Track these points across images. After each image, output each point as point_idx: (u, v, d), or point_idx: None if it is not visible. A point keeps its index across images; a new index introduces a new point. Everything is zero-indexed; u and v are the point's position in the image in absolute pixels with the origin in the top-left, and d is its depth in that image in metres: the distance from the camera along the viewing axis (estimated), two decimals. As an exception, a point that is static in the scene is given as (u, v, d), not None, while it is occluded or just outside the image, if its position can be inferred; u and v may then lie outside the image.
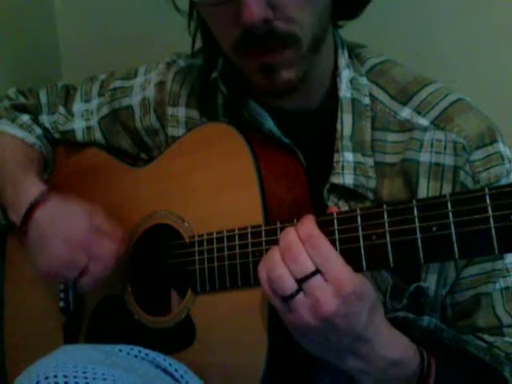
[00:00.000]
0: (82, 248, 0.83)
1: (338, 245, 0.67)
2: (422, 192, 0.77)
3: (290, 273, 0.65)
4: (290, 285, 0.64)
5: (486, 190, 0.58)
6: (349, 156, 0.80)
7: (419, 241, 0.62)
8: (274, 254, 0.66)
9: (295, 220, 0.71)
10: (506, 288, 0.78)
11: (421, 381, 0.70)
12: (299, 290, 0.64)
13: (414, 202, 0.63)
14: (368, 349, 0.67)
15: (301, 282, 0.64)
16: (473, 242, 0.59)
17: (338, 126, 0.81)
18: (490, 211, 0.58)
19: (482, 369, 0.77)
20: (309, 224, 0.66)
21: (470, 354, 0.77)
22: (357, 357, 0.67)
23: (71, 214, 0.87)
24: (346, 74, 0.82)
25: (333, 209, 0.70)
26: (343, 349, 0.66)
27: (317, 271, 0.64)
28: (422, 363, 0.70)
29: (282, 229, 0.72)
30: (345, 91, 0.82)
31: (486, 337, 0.79)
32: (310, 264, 0.64)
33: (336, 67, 0.84)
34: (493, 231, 0.58)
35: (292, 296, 0.64)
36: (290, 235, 0.67)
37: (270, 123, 0.84)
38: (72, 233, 0.84)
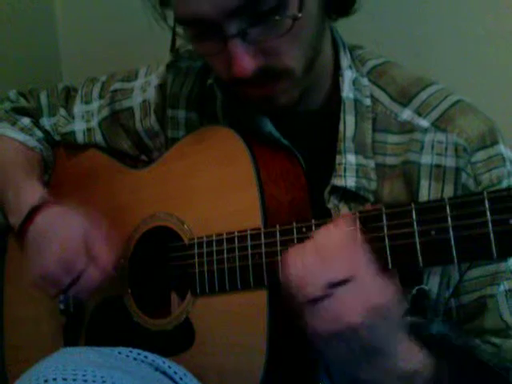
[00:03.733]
0: (78, 253, 0.83)
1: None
2: (424, 194, 0.77)
3: (320, 275, 0.63)
4: (318, 287, 0.62)
5: (485, 194, 0.58)
6: (351, 158, 0.79)
7: (418, 245, 0.62)
8: (308, 249, 0.65)
9: (294, 223, 0.71)
10: (510, 290, 0.78)
11: None
12: (327, 294, 0.62)
13: (412, 205, 0.63)
14: (387, 361, 0.65)
15: (330, 286, 0.62)
16: (471, 246, 0.59)
17: (341, 127, 0.80)
18: (488, 215, 0.58)
19: (489, 375, 0.76)
20: (344, 227, 0.65)
21: (478, 360, 0.77)
22: (375, 368, 0.66)
23: (70, 220, 0.87)
24: (348, 75, 0.82)
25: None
26: (363, 359, 0.65)
27: (348, 278, 0.62)
28: (435, 374, 0.68)
29: (281, 232, 0.72)
30: (347, 92, 0.81)
31: (493, 339, 0.78)
32: (342, 270, 0.62)
33: (336, 67, 0.83)
34: (491, 235, 0.57)
35: (317, 299, 0.63)
36: (324, 236, 0.65)
37: (269, 125, 0.83)
38: (69, 238, 0.84)
